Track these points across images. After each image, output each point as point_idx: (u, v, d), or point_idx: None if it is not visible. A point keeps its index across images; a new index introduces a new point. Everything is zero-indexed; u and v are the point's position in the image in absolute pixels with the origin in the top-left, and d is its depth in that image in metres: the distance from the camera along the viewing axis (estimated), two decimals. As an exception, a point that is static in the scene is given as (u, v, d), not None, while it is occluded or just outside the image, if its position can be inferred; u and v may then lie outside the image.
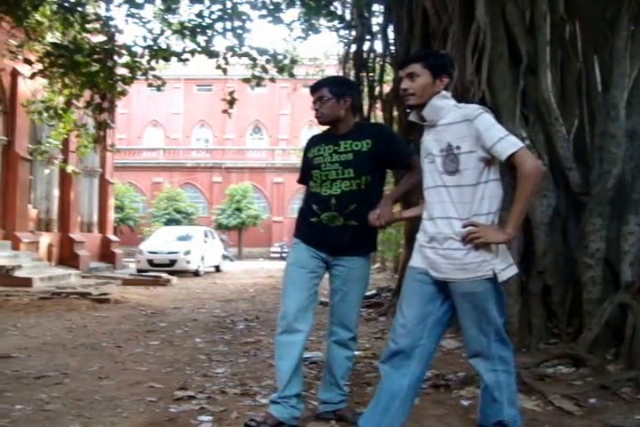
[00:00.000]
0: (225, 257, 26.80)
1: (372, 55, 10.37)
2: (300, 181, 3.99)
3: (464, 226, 2.88)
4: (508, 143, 2.82)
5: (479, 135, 2.86)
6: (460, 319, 3.04)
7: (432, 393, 4.45)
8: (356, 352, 4.51)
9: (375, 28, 10.44)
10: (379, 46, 10.27)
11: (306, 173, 3.85)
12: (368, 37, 10.21)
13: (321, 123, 3.78)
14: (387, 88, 10.18)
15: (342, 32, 11.88)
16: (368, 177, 3.61)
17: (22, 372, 5.16)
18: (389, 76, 11.39)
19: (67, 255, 19.91)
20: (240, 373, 5.18)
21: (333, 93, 3.67)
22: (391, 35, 9.49)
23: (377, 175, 3.69)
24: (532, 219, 5.83)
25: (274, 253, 39.85)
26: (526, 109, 6.15)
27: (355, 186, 3.60)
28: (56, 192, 20.22)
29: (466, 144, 2.89)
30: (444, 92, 3.06)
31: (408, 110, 3.39)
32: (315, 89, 3.76)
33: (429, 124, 3.07)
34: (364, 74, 10.32)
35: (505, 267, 2.92)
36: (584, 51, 6.26)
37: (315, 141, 3.86)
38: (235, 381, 4.86)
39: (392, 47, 9.49)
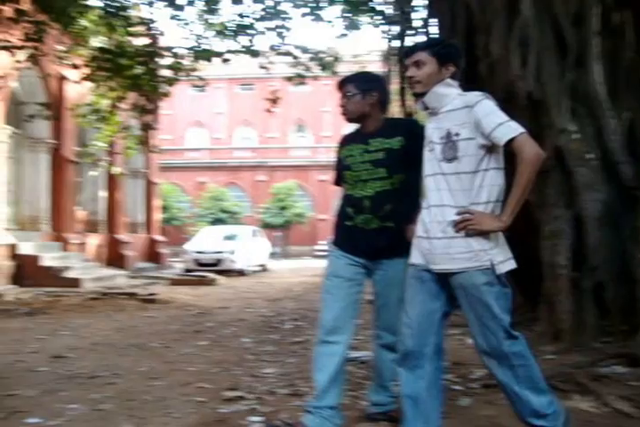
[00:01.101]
0: (273, 255, 26.87)
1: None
2: (335, 183, 3.88)
3: (458, 213, 2.84)
4: (507, 129, 2.79)
5: (478, 121, 2.83)
6: (464, 314, 2.98)
7: (483, 393, 4.36)
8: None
9: (417, 24, 10.34)
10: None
11: (339, 174, 3.75)
12: (410, 33, 10.11)
13: (347, 120, 3.67)
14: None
15: (384, 28, 11.79)
16: (402, 176, 3.48)
17: (75, 372, 5.25)
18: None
19: (114, 256, 20.13)
20: (289, 373, 5.15)
21: (359, 89, 3.56)
22: (433, 30, 9.38)
23: (413, 174, 3.43)
24: (583, 214, 5.71)
25: (319, 251, 39.83)
26: (575, 103, 5.99)
27: (388, 186, 3.48)
28: (103, 194, 20.50)
29: (465, 131, 2.86)
30: (448, 80, 3.02)
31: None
32: (341, 85, 3.66)
33: (432, 112, 3.05)
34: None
35: (503, 260, 2.87)
36: (635, 40, 6.08)
37: (346, 141, 3.75)
38: (284, 381, 4.84)
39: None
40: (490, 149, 2.85)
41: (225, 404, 4.21)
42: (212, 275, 16.62)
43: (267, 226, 38.23)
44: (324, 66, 11.22)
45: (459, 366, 5.11)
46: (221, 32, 11.07)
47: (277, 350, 6.30)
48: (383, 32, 12.08)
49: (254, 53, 10.88)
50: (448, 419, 3.54)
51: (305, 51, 10.85)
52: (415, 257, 3.06)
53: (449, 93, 2.99)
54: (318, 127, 48.71)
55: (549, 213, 6.00)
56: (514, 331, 2.89)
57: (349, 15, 11.32)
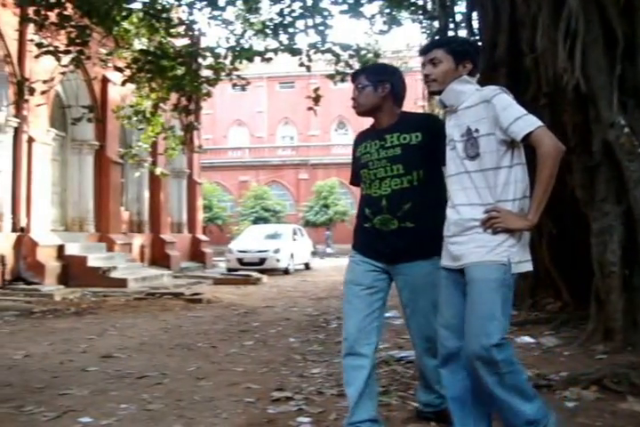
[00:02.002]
0: (326, 254, 26.90)
1: None
2: (352, 183, 3.68)
3: (486, 211, 2.79)
4: (525, 122, 2.72)
5: (496, 116, 2.78)
6: (466, 312, 2.82)
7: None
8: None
9: (459, 18, 10.21)
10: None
11: (356, 173, 3.56)
12: (452, 28, 9.98)
13: (358, 113, 3.50)
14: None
15: (425, 23, 11.68)
16: (420, 172, 3.29)
17: (124, 371, 5.32)
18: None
19: (158, 256, 20.31)
20: (336, 373, 5.09)
21: (370, 81, 3.39)
22: (476, 24, 9.24)
23: (433, 170, 3.33)
24: (634, 210, 5.56)
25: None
26: (624, 96, 5.84)
27: (406, 183, 3.28)
28: (146, 194, 20.70)
29: (484, 126, 2.81)
30: (465, 77, 2.97)
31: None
32: (353, 77, 3.51)
33: (450, 110, 3.00)
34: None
35: (521, 260, 2.81)
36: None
37: (361, 138, 3.55)
38: (331, 381, 4.81)
39: (477, 37, 9.23)
40: (512, 143, 2.80)
41: (273, 404, 4.20)
42: (256, 274, 16.65)
43: (309, 224, 38.25)
44: (365, 62, 11.14)
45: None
46: (261, 31, 11.08)
47: (323, 349, 6.28)
48: (423, 27, 11.99)
49: (295, 52, 10.85)
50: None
51: (345, 48, 10.79)
52: (445, 259, 2.99)
53: (466, 90, 2.94)
54: (359, 124, 48.04)
55: (599, 210, 5.88)
56: (504, 337, 2.76)
57: (390, 11, 11.23)
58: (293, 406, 4.13)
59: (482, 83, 8.21)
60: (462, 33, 10.00)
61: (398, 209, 3.27)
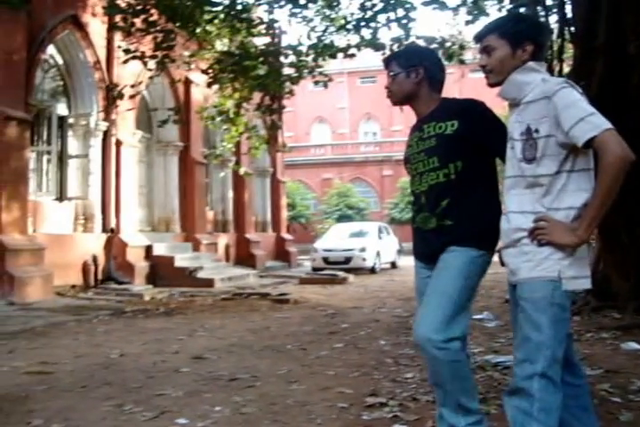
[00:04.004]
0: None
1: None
2: None
3: (534, 220, 2.44)
4: (589, 125, 2.28)
5: (557, 115, 2.36)
6: (514, 337, 2.54)
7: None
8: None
9: (549, 2, 9.78)
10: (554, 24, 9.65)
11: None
12: (542, 14, 9.57)
13: (394, 103, 3.23)
14: (566, 68, 9.51)
15: (513, 11, 11.28)
16: (458, 164, 2.91)
17: (215, 373, 5.31)
18: (568, 53, 10.65)
19: (243, 255, 20.47)
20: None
21: (402, 67, 3.08)
22: (570, 10, 8.83)
23: (475, 162, 2.94)
24: None
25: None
26: None
27: (442, 177, 2.93)
28: (230, 193, 20.93)
29: (544, 127, 2.41)
30: (531, 64, 2.55)
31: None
32: (385, 65, 3.19)
33: (513, 103, 2.60)
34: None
35: (575, 275, 2.41)
36: None
37: (410, 131, 3.23)
38: (425, 387, 4.63)
39: (570, 25, 8.82)
40: (574, 147, 2.38)
41: (367, 410, 4.08)
42: (342, 273, 16.53)
43: (395, 221, 37.79)
44: (450, 55, 10.89)
45: (614, 374, 4.78)
46: (343, 27, 10.97)
47: (416, 353, 6.07)
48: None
49: (378, 47, 10.70)
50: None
51: (430, 41, 10.56)
52: (508, 274, 2.62)
53: (530, 80, 2.52)
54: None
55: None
56: (557, 374, 2.39)
57: (475, 0, 10.92)
58: (388, 412, 4.00)
59: (576, 74, 7.94)
60: (553, 20, 9.64)
61: (436, 206, 2.94)
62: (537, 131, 2.43)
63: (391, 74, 3.12)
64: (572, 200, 2.41)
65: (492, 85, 2.69)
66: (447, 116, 2.96)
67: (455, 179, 2.91)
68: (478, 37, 2.71)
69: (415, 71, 3.06)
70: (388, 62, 3.18)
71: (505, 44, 2.57)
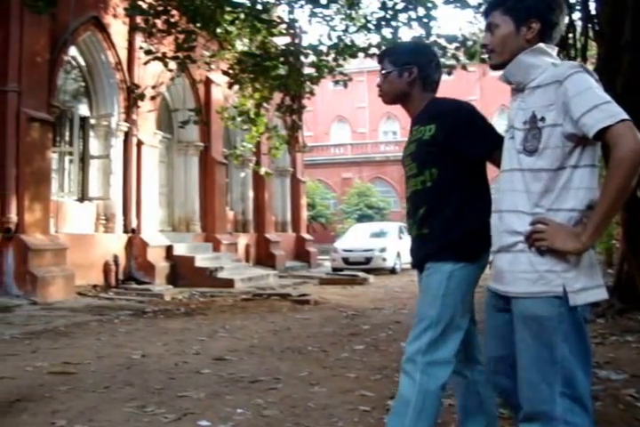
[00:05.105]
0: None
1: (571, 30, 9.54)
2: None
3: (532, 223, 2.15)
4: (602, 113, 1.99)
5: (567, 102, 2.07)
6: (517, 356, 2.20)
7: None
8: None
9: (573, 0, 9.66)
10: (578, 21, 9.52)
11: None
12: (564, 12, 9.43)
13: (385, 102, 3.07)
14: (590, 66, 9.40)
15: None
16: (433, 171, 2.76)
17: (237, 375, 5.29)
18: (592, 51, 10.52)
19: (263, 255, 20.48)
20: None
21: (394, 65, 2.91)
22: (593, 7, 8.71)
23: (450, 168, 2.75)
24: None
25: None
26: None
27: (419, 184, 2.81)
28: (251, 193, 20.96)
29: (551, 115, 2.13)
30: (541, 45, 2.25)
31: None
32: (378, 62, 3.04)
33: (516, 88, 2.31)
34: (564, 52, 9.60)
35: (584, 287, 2.11)
36: None
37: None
38: (447, 390, 4.59)
39: (595, 21, 8.69)
40: (582, 139, 2.09)
41: (389, 414, 4.04)
42: (362, 274, 16.47)
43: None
44: (472, 54, 10.80)
45: (640, 379, 4.70)
46: (364, 26, 10.93)
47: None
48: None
49: (399, 46, 10.65)
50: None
51: (451, 40, 10.49)
52: (491, 279, 2.37)
53: (540, 63, 2.23)
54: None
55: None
56: (587, 398, 2.10)
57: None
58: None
59: (601, 72, 7.81)
60: (577, 17, 9.50)
61: (415, 214, 2.85)
62: (542, 119, 2.15)
63: (383, 72, 2.97)
64: (574, 201, 2.12)
65: (493, 67, 2.43)
66: (427, 120, 2.83)
67: (431, 186, 2.78)
68: (485, 14, 2.45)
69: (408, 70, 2.90)
70: (380, 59, 3.03)
71: (508, 20, 2.29)
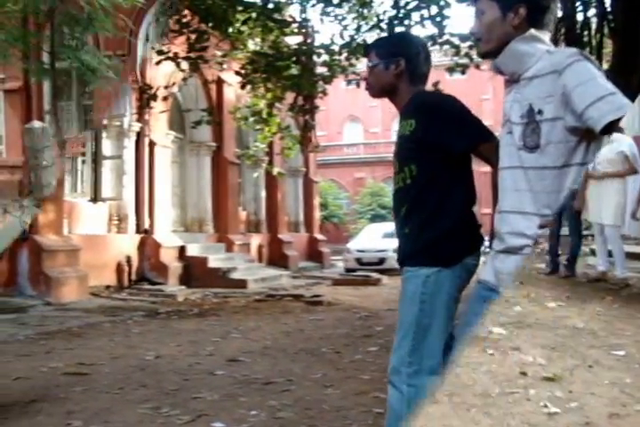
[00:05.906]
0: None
1: (586, 28, 9.43)
2: None
3: (540, 227, 2.06)
4: (609, 106, 1.84)
5: (569, 93, 1.92)
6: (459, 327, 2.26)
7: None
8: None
9: None
10: (593, 18, 9.40)
11: None
12: (580, 9, 9.35)
13: (372, 96, 2.93)
14: (605, 64, 9.32)
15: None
16: (412, 168, 2.62)
17: (250, 377, 5.29)
18: (607, 49, 10.41)
19: (276, 256, 20.43)
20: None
21: (381, 57, 2.75)
22: (609, 4, 8.61)
23: (430, 164, 2.61)
24: None
25: (484, 247, 38.72)
26: None
27: (400, 182, 2.69)
28: (263, 194, 20.92)
29: (550, 107, 1.98)
30: (532, 32, 2.08)
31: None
32: (365, 54, 2.89)
33: (511, 79, 2.16)
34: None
35: None
36: None
37: None
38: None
39: (610, 19, 8.59)
40: (586, 133, 1.96)
41: (408, 417, 4.02)
42: (375, 274, 16.40)
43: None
44: (485, 53, 10.72)
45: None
46: (376, 25, 10.89)
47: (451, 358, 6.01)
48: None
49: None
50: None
51: (464, 39, 10.40)
52: (487, 273, 2.23)
53: (534, 51, 2.06)
54: (478, 116, 47.33)
55: None
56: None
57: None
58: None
59: (616, 70, 7.73)
60: (592, 14, 9.40)
61: (397, 213, 2.74)
62: (540, 112, 2.00)
63: (369, 65, 2.81)
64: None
65: (482, 56, 2.29)
66: (408, 114, 2.68)
67: (410, 184, 2.65)
68: (473, 1, 2.28)
69: (395, 62, 2.73)
70: (367, 51, 2.88)
71: (494, 6, 2.13)
